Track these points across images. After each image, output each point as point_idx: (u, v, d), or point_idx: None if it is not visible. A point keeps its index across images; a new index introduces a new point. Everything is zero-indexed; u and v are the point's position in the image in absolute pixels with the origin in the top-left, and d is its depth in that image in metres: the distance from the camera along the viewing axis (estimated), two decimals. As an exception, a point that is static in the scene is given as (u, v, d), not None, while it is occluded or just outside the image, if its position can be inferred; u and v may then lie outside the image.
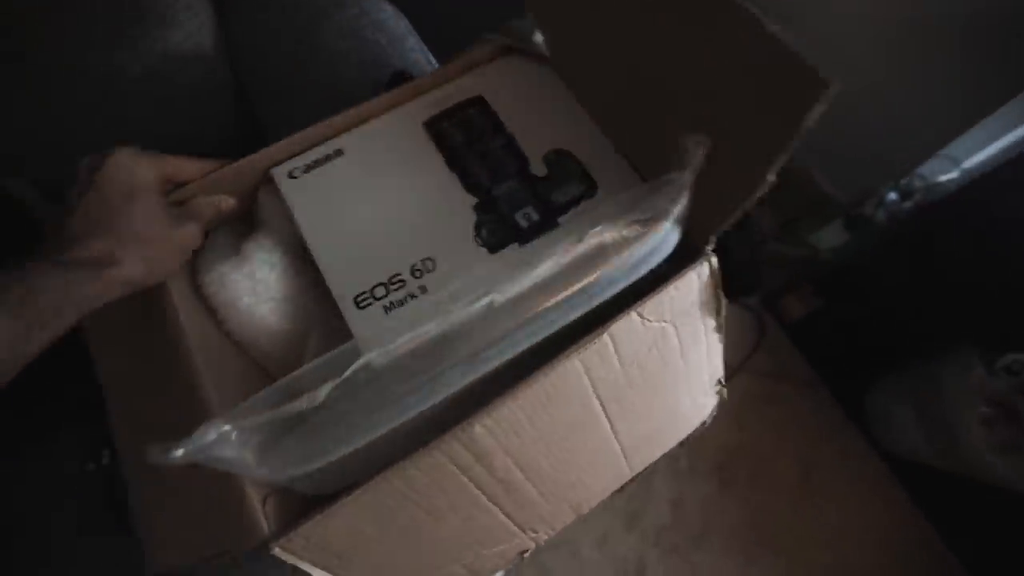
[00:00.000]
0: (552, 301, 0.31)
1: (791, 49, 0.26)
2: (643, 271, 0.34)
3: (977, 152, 0.93)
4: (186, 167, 0.37)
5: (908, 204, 1.07)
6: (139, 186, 0.33)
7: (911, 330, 0.97)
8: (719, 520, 0.99)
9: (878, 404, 1.04)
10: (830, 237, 1.17)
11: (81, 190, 0.33)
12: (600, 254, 0.30)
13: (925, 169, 1.04)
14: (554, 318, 0.32)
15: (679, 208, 0.32)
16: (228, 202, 0.39)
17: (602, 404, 0.37)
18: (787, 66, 0.26)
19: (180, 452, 0.23)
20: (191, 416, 0.32)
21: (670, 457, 1.01)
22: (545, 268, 0.29)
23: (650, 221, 0.32)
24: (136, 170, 0.34)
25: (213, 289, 0.37)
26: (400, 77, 0.54)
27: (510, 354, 0.31)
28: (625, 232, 0.31)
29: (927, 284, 0.94)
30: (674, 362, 0.39)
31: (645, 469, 0.50)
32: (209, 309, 0.37)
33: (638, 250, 0.32)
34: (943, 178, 1.04)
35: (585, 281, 0.31)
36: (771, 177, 0.29)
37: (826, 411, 1.08)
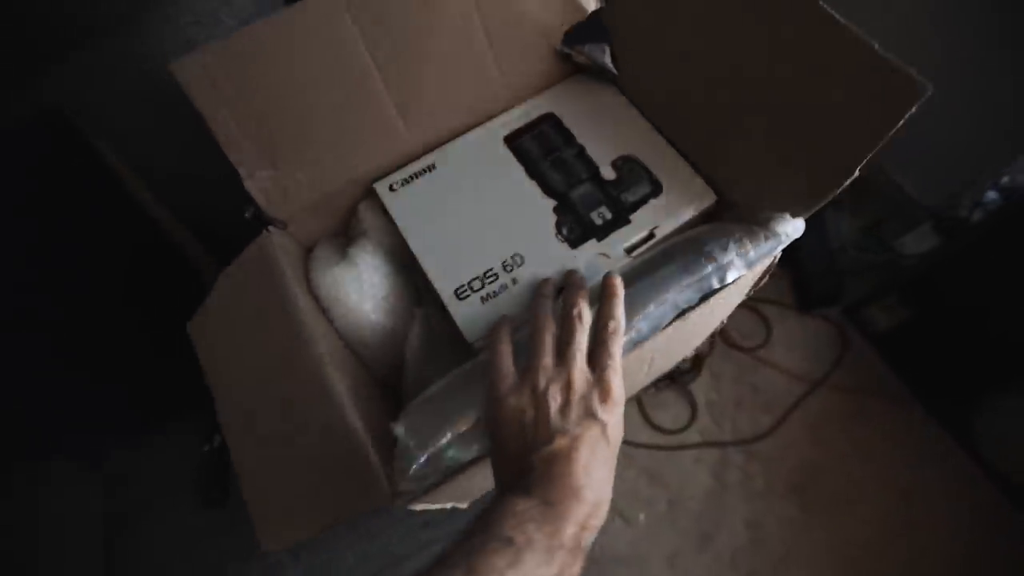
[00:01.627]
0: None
1: (884, 56, 0.31)
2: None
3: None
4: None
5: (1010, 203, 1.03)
6: (621, 406, 0.33)
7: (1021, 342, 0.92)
8: (802, 546, 0.98)
9: (992, 425, 0.98)
10: (916, 243, 1.15)
11: (566, 414, 0.31)
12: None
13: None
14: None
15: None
16: None
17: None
18: (881, 72, 0.31)
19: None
20: (321, 395, 0.38)
21: (744, 475, 1.02)
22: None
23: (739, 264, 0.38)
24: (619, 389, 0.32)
25: (326, 290, 0.45)
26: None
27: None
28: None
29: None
30: (713, 315, 0.45)
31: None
32: (320, 306, 0.45)
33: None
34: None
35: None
36: (857, 172, 0.34)
37: (924, 431, 1.04)
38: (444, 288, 0.41)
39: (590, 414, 0.30)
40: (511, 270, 0.41)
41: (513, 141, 0.48)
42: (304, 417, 0.40)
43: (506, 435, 0.31)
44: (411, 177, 0.47)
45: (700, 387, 1.11)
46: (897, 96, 0.31)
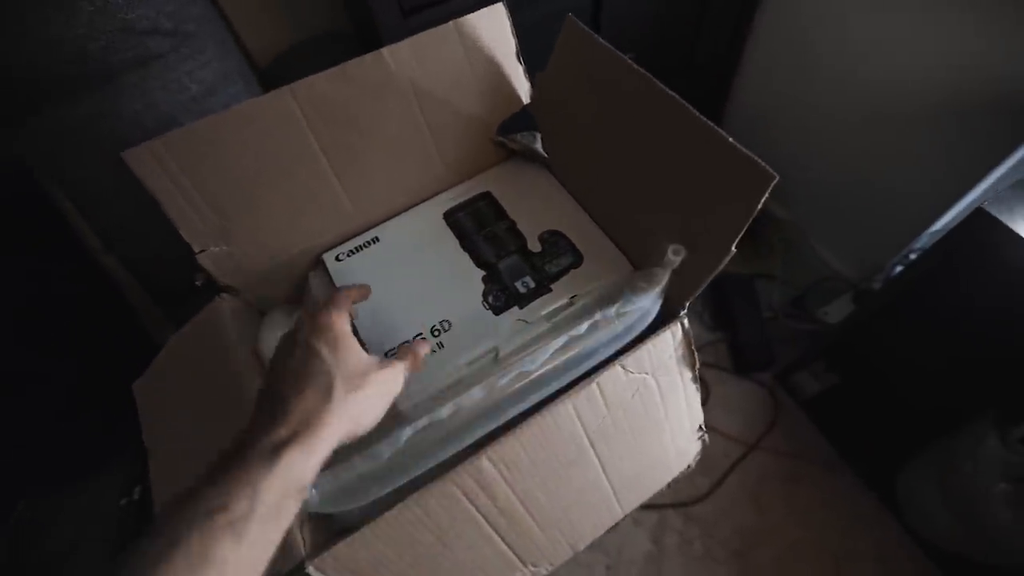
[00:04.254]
0: (553, 364, 0.43)
1: (745, 153, 0.38)
2: (628, 339, 0.46)
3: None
4: (355, 295, 0.44)
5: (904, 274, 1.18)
6: (340, 337, 0.37)
7: (930, 405, 0.99)
8: (741, 614, 1.01)
9: (910, 492, 1.04)
10: (838, 312, 1.28)
11: (285, 352, 0.37)
12: (592, 328, 0.43)
13: (924, 242, 1.16)
14: (555, 377, 0.44)
15: (659, 291, 0.46)
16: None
17: (592, 443, 0.47)
18: (743, 165, 0.38)
19: None
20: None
21: (683, 539, 1.06)
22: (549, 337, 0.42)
23: (636, 301, 0.45)
24: (336, 323, 0.38)
25: (269, 352, 0.49)
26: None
27: (522, 407, 0.43)
28: (614, 310, 0.44)
29: (940, 355, 0.96)
30: (655, 408, 0.50)
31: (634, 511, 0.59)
32: (263, 367, 0.49)
33: (624, 323, 0.44)
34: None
35: (580, 347, 0.44)
36: (733, 249, 0.41)
37: (856, 496, 1.11)
38: (376, 351, 0.47)
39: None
40: (438, 335, 0.47)
41: (450, 216, 0.56)
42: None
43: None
44: (356, 249, 0.53)
45: (642, 450, 1.17)
46: (754, 183, 0.37)
